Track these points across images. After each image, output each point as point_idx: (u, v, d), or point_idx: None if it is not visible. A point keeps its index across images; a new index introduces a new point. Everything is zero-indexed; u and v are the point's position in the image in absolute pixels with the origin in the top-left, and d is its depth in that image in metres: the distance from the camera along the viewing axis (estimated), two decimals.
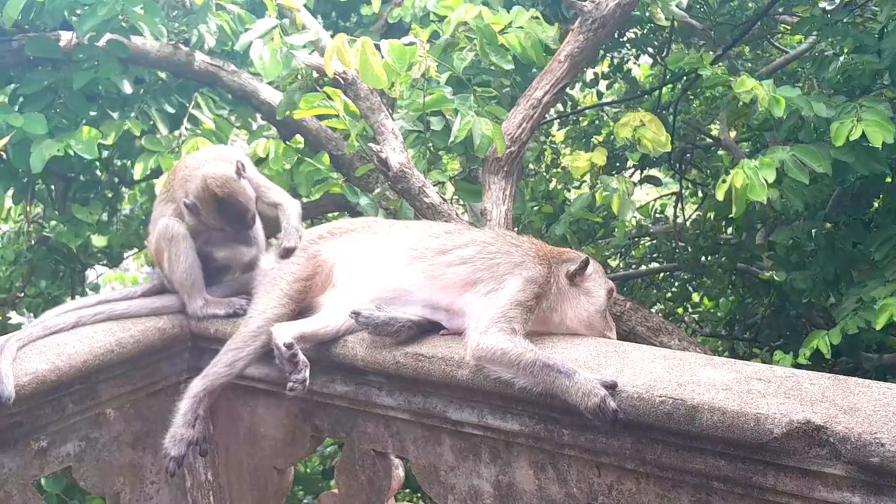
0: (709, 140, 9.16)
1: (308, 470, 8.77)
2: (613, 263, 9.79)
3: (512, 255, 3.39)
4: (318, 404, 3.81)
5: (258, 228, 4.06)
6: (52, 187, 6.89)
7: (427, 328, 3.47)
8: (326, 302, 3.69)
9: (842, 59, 6.09)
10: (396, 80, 4.82)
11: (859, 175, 6.09)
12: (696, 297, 9.84)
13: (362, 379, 3.61)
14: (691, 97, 8.90)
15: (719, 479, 2.84)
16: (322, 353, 3.60)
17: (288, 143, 5.76)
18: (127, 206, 7.92)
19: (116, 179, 7.30)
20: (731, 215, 6.30)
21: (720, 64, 6.41)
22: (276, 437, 4.01)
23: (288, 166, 5.59)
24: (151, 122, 5.96)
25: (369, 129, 5.15)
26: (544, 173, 9.21)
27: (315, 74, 5.39)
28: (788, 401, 2.69)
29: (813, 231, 6.69)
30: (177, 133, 5.91)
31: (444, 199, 5.03)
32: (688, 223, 9.19)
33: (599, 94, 9.52)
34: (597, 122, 9.31)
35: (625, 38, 8.44)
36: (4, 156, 5.83)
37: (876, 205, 6.89)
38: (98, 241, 6.51)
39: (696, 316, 10.01)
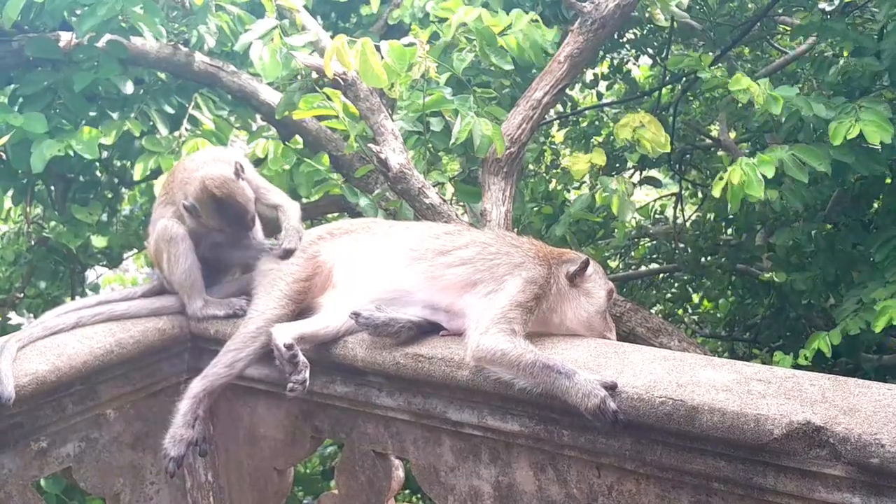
0: (708, 141, 9.17)
1: (308, 471, 8.77)
2: (613, 264, 9.79)
3: (512, 255, 3.39)
4: (318, 405, 3.81)
5: (258, 229, 4.06)
6: (52, 188, 6.88)
7: (427, 329, 3.47)
8: (326, 303, 3.69)
9: (841, 61, 6.10)
10: (396, 80, 4.82)
11: (859, 176, 6.10)
12: (695, 298, 9.84)
13: (362, 380, 3.61)
14: (691, 98, 8.90)
15: (719, 480, 2.84)
16: (322, 353, 3.60)
17: (287, 143, 5.76)
18: (127, 207, 7.92)
19: (116, 180, 7.29)
20: (729, 213, 6.31)
21: (720, 65, 6.41)
22: (275, 437, 4.01)
23: (287, 167, 5.58)
24: (151, 123, 5.95)
25: (369, 130, 5.15)
26: (544, 174, 9.21)
27: (315, 75, 5.39)
28: (788, 402, 2.69)
29: (813, 232, 6.69)
30: (177, 134, 5.90)
31: (444, 200, 5.03)
32: (687, 224, 9.19)
33: (599, 95, 9.52)
34: (596, 122, 9.31)
35: (624, 39, 8.44)
36: (4, 156, 5.82)
37: (876, 206, 6.90)
38: (98, 241, 6.50)
39: (695, 317, 10.01)
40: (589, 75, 9.14)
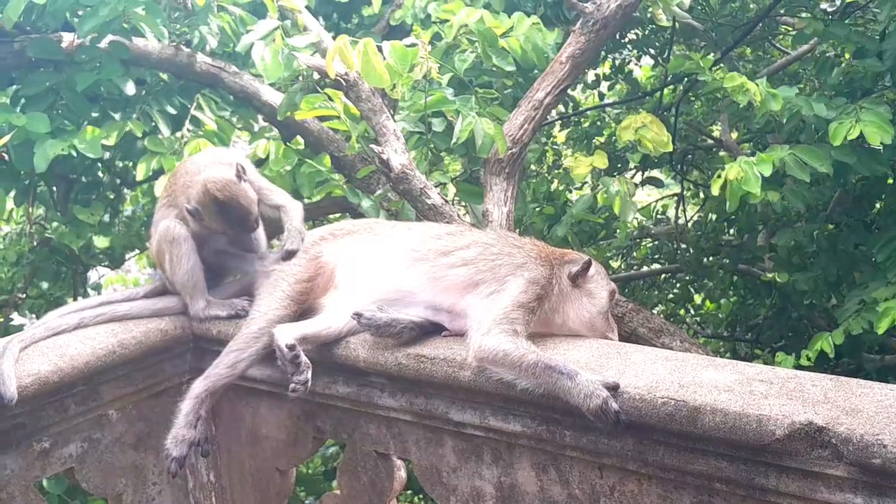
0: (710, 141, 9.16)
1: (310, 471, 8.76)
2: (615, 265, 9.78)
3: (514, 256, 3.40)
4: (320, 405, 3.82)
5: (260, 231, 4.06)
6: (54, 189, 6.89)
7: (429, 329, 3.48)
8: (328, 303, 3.69)
9: (843, 64, 6.09)
10: (398, 81, 4.83)
11: (861, 176, 6.10)
12: (697, 299, 9.83)
13: (364, 380, 3.61)
14: (693, 98, 8.89)
15: (721, 481, 2.84)
16: (324, 354, 3.60)
17: (288, 144, 5.76)
18: (129, 208, 7.93)
19: (118, 181, 7.30)
20: (728, 212, 6.31)
21: (721, 66, 6.41)
22: (278, 438, 4.01)
23: (288, 168, 5.59)
24: (153, 124, 5.95)
25: (371, 131, 5.15)
26: (546, 174, 9.20)
27: (316, 76, 5.39)
28: (790, 402, 2.69)
29: (815, 232, 6.69)
30: (179, 134, 5.90)
31: (446, 201, 5.02)
32: (689, 224, 9.18)
33: (601, 96, 9.51)
34: (598, 123, 9.30)
35: (626, 40, 8.43)
36: (6, 157, 5.83)
37: (878, 206, 6.90)
38: (100, 242, 6.50)
39: (697, 317, 10.00)
40: (591, 76, 9.13)
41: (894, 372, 6.98)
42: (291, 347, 3.44)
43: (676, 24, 7.41)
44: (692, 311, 10.06)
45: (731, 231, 8.61)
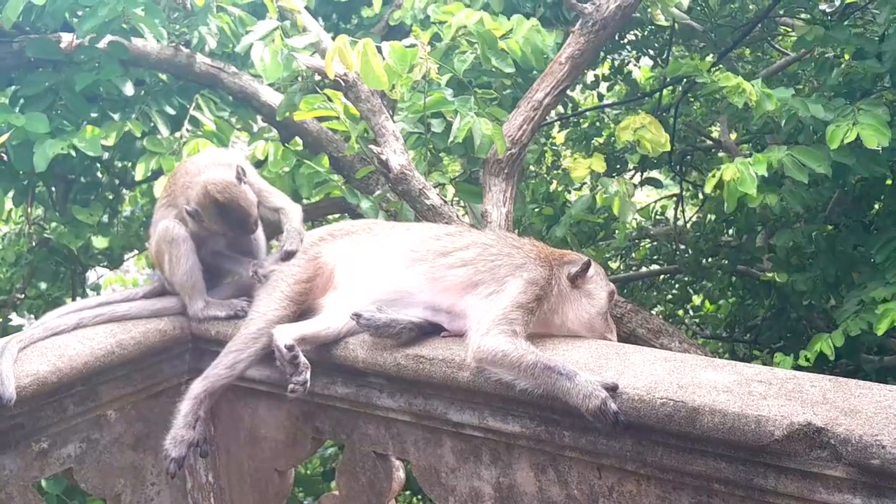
0: (709, 142, 9.17)
1: (308, 472, 8.76)
2: (614, 265, 9.79)
3: (513, 256, 3.40)
4: (319, 406, 3.82)
5: (259, 233, 4.06)
6: (53, 189, 6.89)
7: (428, 330, 3.47)
8: (327, 304, 3.69)
9: (843, 65, 6.09)
10: (397, 81, 4.83)
11: (860, 177, 6.10)
12: (696, 300, 9.84)
13: (363, 381, 3.61)
14: (692, 99, 8.90)
15: (720, 481, 2.84)
16: (323, 354, 3.60)
17: (287, 145, 5.76)
18: (128, 208, 7.93)
19: (117, 181, 7.30)
20: (727, 213, 6.31)
21: (720, 66, 6.41)
22: (276, 438, 4.01)
23: (287, 169, 5.59)
24: (152, 124, 5.95)
25: (370, 131, 5.15)
26: (545, 175, 9.20)
27: (316, 76, 5.39)
28: (789, 403, 2.69)
29: (813, 233, 6.69)
30: (178, 135, 5.91)
31: (445, 201, 5.03)
32: (688, 225, 9.19)
33: (600, 96, 9.51)
34: (597, 123, 9.31)
35: (625, 40, 8.43)
36: (5, 157, 5.83)
37: (876, 207, 6.90)
38: (99, 242, 6.50)
39: (696, 318, 10.01)
40: (590, 76, 9.14)
41: (893, 373, 6.98)
42: (290, 348, 3.43)
43: (675, 24, 7.42)
44: (691, 312, 10.06)
45: (730, 232, 8.62)
